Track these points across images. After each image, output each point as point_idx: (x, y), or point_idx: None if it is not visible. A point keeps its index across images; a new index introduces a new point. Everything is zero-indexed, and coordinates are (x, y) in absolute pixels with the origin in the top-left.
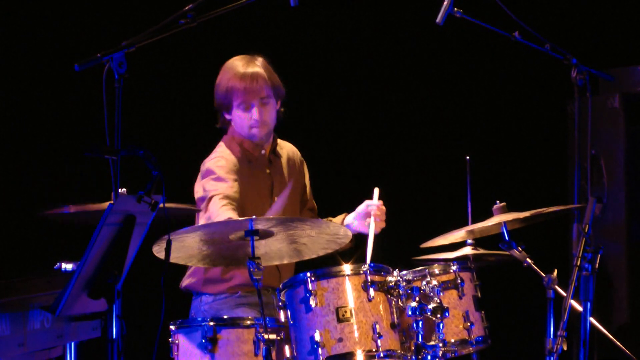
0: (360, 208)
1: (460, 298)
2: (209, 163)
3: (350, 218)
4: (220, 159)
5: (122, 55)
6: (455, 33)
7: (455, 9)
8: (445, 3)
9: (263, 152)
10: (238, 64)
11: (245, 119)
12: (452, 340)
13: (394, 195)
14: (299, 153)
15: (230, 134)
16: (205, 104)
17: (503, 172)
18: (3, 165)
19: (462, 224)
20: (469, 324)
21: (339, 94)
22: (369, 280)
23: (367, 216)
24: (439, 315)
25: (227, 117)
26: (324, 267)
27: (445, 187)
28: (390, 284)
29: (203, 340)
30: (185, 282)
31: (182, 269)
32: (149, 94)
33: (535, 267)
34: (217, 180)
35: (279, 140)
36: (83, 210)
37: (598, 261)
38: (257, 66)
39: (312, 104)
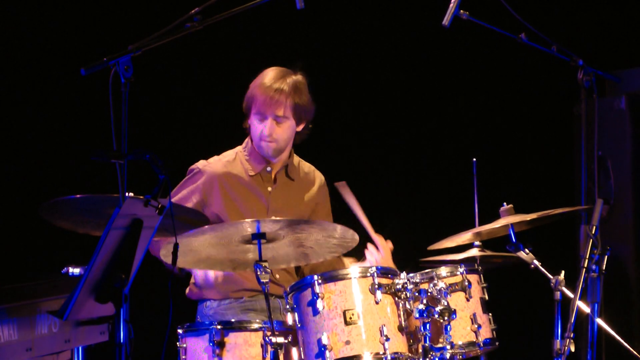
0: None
1: (468, 300)
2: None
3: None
4: (192, 185)
5: (129, 59)
6: (461, 35)
7: (462, 11)
8: (452, 5)
9: (269, 169)
10: (269, 75)
11: (258, 130)
12: (460, 343)
13: (400, 197)
14: (322, 179)
15: (249, 138)
16: (213, 107)
17: (510, 174)
18: (10, 170)
19: (469, 226)
20: (476, 326)
21: (344, 97)
22: (376, 282)
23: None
24: (446, 318)
25: (247, 121)
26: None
27: (452, 189)
28: (398, 287)
29: (210, 344)
30: (188, 290)
31: (187, 275)
32: (156, 98)
33: (543, 269)
34: None
35: (303, 164)
36: (90, 198)
37: (605, 262)
38: (287, 84)
39: (318, 106)
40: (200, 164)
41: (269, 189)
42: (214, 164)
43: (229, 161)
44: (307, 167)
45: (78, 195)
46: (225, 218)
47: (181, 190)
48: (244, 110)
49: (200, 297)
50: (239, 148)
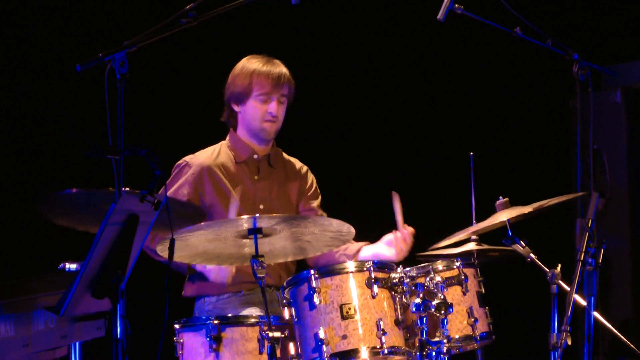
0: (388, 237)
1: (464, 294)
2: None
3: (380, 248)
4: (182, 178)
5: (124, 55)
6: (456, 29)
7: (457, 5)
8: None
9: (255, 156)
10: (262, 60)
11: (261, 111)
12: (457, 336)
13: (397, 191)
14: (305, 168)
15: (233, 131)
16: (207, 102)
17: (506, 168)
18: (6, 167)
19: (465, 219)
20: (473, 319)
21: (340, 92)
22: (373, 277)
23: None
24: (443, 312)
25: (237, 108)
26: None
27: (449, 183)
28: (394, 281)
29: (207, 339)
30: (186, 290)
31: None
32: (151, 94)
33: (539, 263)
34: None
35: (285, 156)
36: (86, 193)
37: (601, 256)
38: (281, 65)
39: (314, 102)
40: (187, 157)
41: (255, 177)
42: (200, 155)
43: (215, 151)
44: (292, 160)
45: (74, 190)
46: (218, 208)
47: (171, 186)
48: (232, 98)
49: (198, 294)
50: (222, 142)
